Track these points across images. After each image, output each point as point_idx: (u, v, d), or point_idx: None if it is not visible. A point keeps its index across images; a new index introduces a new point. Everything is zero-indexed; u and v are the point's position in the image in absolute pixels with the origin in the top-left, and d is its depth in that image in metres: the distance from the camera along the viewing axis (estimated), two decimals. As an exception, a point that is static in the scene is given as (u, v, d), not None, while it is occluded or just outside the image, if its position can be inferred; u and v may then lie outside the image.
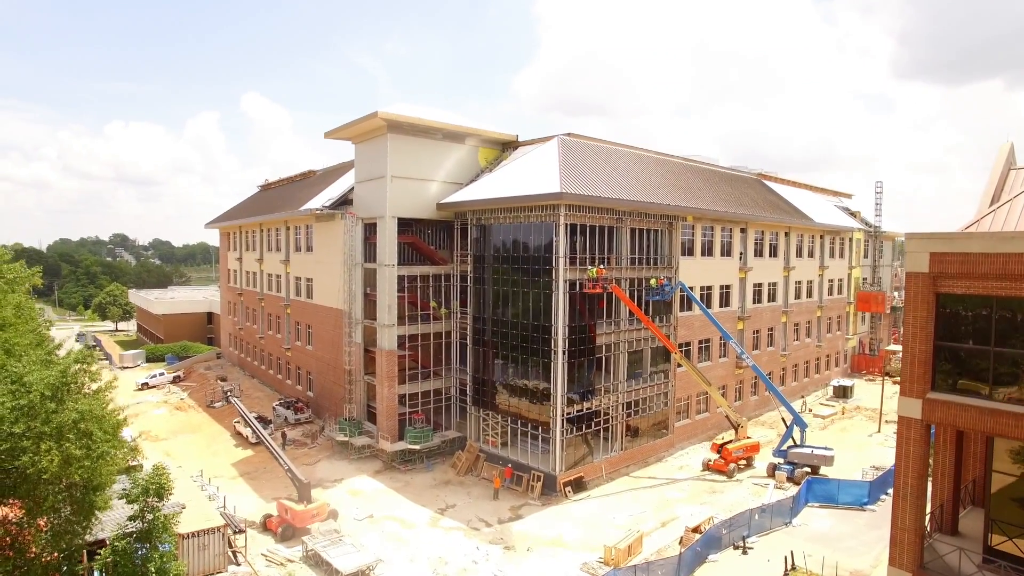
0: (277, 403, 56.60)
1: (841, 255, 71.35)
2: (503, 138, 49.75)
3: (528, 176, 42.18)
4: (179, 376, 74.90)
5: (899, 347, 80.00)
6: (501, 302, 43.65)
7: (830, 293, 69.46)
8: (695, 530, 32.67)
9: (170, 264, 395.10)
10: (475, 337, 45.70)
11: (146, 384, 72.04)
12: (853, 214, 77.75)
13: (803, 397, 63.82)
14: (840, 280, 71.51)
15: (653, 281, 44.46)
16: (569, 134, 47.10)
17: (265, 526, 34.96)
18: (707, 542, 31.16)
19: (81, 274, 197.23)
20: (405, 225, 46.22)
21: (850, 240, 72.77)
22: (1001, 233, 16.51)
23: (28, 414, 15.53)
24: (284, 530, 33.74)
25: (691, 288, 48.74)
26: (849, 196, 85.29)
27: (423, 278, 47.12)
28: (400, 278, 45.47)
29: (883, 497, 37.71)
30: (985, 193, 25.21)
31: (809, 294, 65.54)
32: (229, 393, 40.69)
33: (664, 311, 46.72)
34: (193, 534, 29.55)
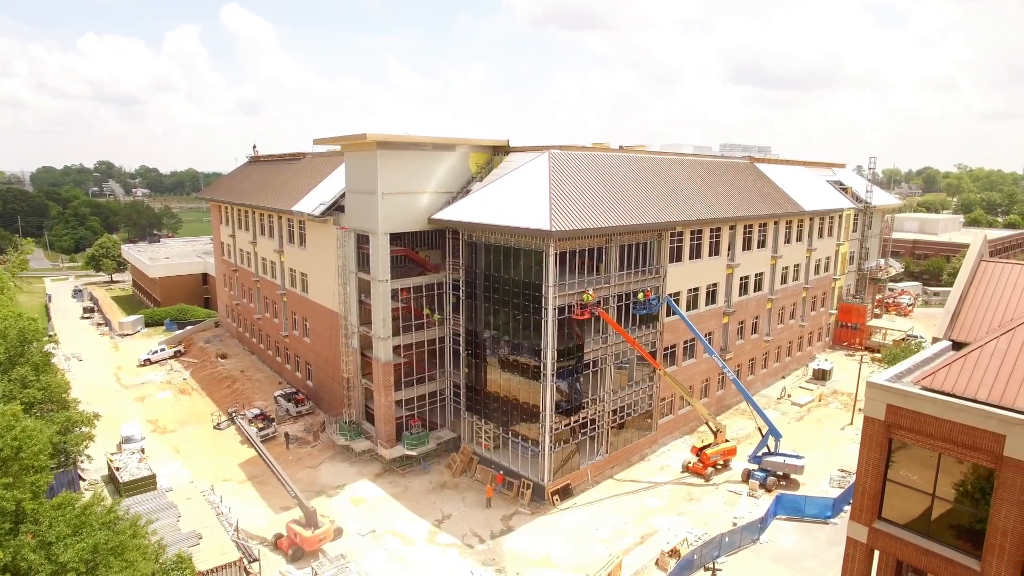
0: (278, 393, 58.82)
1: (830, 233, 72.11)
2: (493, 144, 49.36)
3: (518, 198, 42.37)
4: (180, 351, 76.81)
5: (881, 322, 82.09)
6: (492, 318, 44.94)
7: (817, 272, 70.80)
8: (671, 553, 35.72)
9: (159, 193, 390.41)
10: (467, 349, 47.30)
11: (148, 360, 74.02)
12: (845, 189, 77.82)
13: (784, 377, 66.68)
14: (828, 258, 72.65)
15: (640, 295, 45.70)
16: (560, 147, 46.81)
17: (276, 545, 37.81)
18: (682, 567, 34.21)
19: (70, 215, 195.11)
20: (397, 235, 46.71)
21: (839, 217, 73.30)
22: (950, 403, 17.85)
23: (67, 591, 17.24)
24: (294, 552, 36.60)
25: (678, 292, 50.36)
26: (842, 166, 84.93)
27: (416, 288, 48.08)
28: (394, 290, 46.48)
29: (846, 508, 40.78)
30: (958, 283, 26.27)
31: (796, 277, 66.90)
32: (234, 414, 42.76)
33: (651, 318, 48.24)
34: (211, 571, 32.18)
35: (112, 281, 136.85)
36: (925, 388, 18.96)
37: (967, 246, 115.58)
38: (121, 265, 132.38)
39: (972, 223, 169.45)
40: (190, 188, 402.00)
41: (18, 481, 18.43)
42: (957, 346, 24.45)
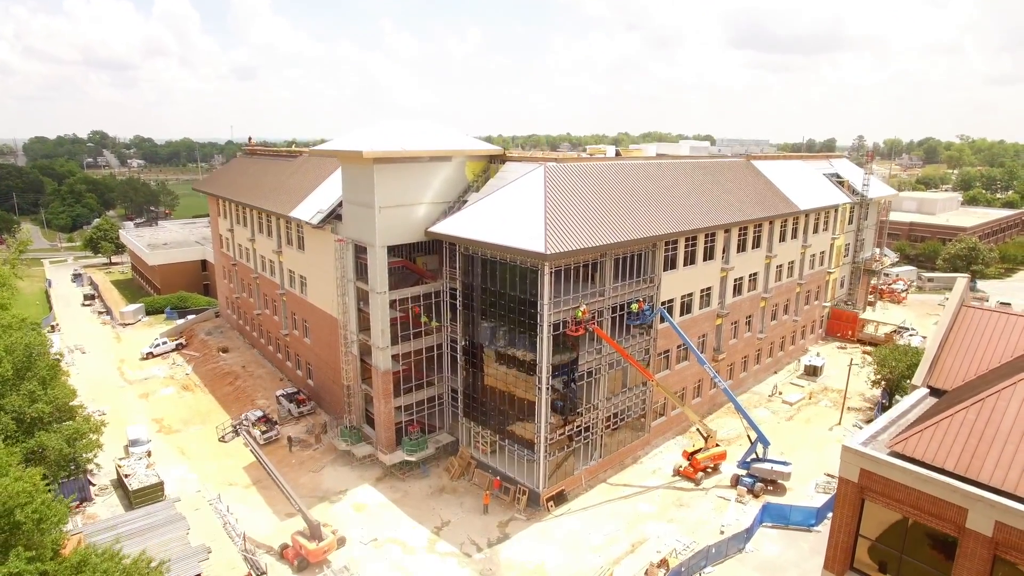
0: (280, 393, 60.06)
1: (825, 228, 72.49)
2: (490, 152, 49.50)
3: (514, 215, 42.76)
4: (181, 343, 77.86)
5: (874, 314, 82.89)
6: (488, 330, 45.83)
7: (811, 267, 71.41)
8: (660, 564, 37.35)
9: (154, 164, 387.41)
10: (465, 357, 48.32)
11: (150, 354, 75.13)
12: (842, 182, 77.87)
13: (776, 373, 67.95)
14: (823, 252, 73.18)
15: (634, 306, 46.50)
16: (556, 159, 47.01)
17: (282, 555, 39.38)
18: (669, 578, 35.88)
19: (66, 192, 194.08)
20: (395, 245, 47.19)
21: (835, 211, 73.56)
22: (917, 472, 18.87)
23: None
24: (300, 562, 38.20)
25: (672, 299, 51.19)
26: (840, 156, 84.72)
27: (414, 298, 48.79)
28: (392, 300, 47.21)
29: (830, 515, 42.32)
30: (939, 326, 27.08)
31: (790, 273, 67.54)
32: (238, 426, 43.97)
33: (646, 326, 49.14)
34: (220, 587, 33.76)
35: (111, 263, 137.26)
36: (895, 454, 19.99)
37: (964, 229, 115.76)
38: (119, 247, 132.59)
39: (971, 201, 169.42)
40: (185, 158, 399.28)
41: (40, 548, 19.53)
42: (936, 392, 25.45)
